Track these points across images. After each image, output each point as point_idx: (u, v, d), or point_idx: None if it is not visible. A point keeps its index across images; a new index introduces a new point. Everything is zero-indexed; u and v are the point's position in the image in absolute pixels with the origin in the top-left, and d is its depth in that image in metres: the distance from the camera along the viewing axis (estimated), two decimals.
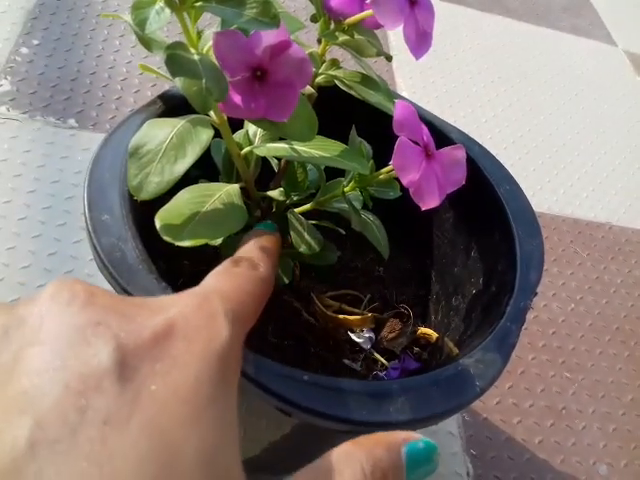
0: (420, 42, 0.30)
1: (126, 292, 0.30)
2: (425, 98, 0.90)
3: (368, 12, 0.32)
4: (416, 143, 0.33)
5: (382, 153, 0.38)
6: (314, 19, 0.37)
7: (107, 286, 0.32)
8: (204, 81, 0.27)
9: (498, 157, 0.89)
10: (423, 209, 0.33)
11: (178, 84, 0.26)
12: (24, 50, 0.73)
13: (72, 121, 0.67)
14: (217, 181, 0.39)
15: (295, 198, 0.40)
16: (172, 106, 0.38)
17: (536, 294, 0.37)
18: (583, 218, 0.83)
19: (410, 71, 0.93)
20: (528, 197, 0.86)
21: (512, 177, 0.44)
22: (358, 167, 0.33)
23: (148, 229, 0.33)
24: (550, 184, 0.86)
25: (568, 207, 0.84)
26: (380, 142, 0.40)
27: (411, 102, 0.47)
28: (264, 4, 0.27)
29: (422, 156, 0.33)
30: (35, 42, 0.75)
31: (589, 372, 0.66)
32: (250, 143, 0.37)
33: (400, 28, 0.30)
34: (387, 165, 0.37)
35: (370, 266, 0.50)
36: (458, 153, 0.35)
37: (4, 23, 0.76)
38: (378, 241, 0.37)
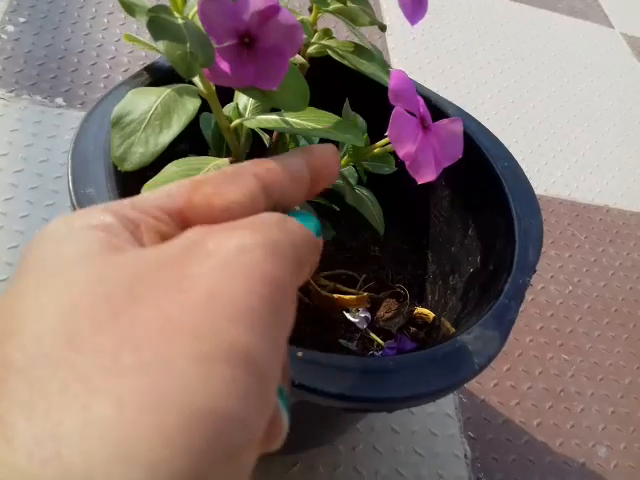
0: (415, 7, 0.29)
1: None
2: (421, 79, 0.89)
3: None
4: (412, 114, 0.32)
5: (377, 128, 0.37)
6: None
7: None
8: (188, 45, 0.25)
9: None
10: (419, 183, 0.32)
11: (161, 48, 0.25)
12: (10, 28, 0.71)
13: (60, 100, 0.65)
14: (205, 155, 0.38)
15: None
16: (159, 78, 0.37)
17: (535, 271, 0.36)
18: (581, 201, 0.82)
19: (405, 51, 0.92)
20: None
21: (510, 153, 0.43)
22: (352, 139, 0.32)
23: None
24: (547, 167, 0.85)
25: (565, 190, 0.83)
26: (375, 117, 0.39)
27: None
28: None
29: (418, 128, 0.32)
30: (21, 20, 0.73)
31: (587, 355, 0.66)
32: (240, 116, 0.36)
33: None
34: (382, 139, 0.36)
35: (366, 246, 0.49)
36: (455, 126, 0.34)
37: None
38: (373, 217, 0.36)
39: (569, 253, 0.75)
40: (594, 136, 0.93)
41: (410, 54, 0.92)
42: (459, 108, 0.45)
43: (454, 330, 0.39)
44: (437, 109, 0.44)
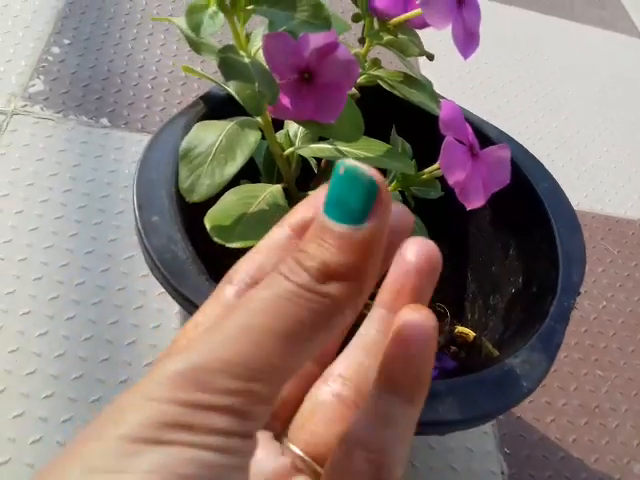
0: (468, 41, 0.30)
1: (177, 292, 0.31)
2: (450, 95, 0.90)
3: (414, 12, 0.32)
4: (461, 143, 0.33)
5: (422, 153, 0.38)
6: (356, 19, 0.37)
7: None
8: (257, 85, 0.27)
9: None
10: (468, 209, 0.33)
11: (231, 87, 0.26)
12: (55, 50, 0.74)
13: (105, 120, 0.68)
14: (257, 180, 0.40)
15: None
16: (214, 107, 0.39)
17: (579, 293, 0.37)
18: (613, 215, 0.82)
19: (435, 69, 0.93)
20: None
21: (550, 174, 0.44)
22: (403, 167, 0.33)
23: (193, 227, 0.33)
24: (579, 181, 0.85)
25: (598, 204, 0.83)
26: (420, 142, 0.40)
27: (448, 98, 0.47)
28: (315, 7, 0.27)
29: (468, 156, 0.33)
30: (66, 41, 0.75)
31: (622, 370, 0.66)
32: (291, 143, 0.37)
33: (447, 28, 0.30)
34: (427, 165, 0.37)
35: None
36: (502, 152, 0.35)
37: (36, 22, 0.76)
38: None
39: (602, 268, 0.75)
40: (626, 149, 0.93)
41: (441, 71, 0.93)
42: (501, 131, 0.46)
43: (496, 352, 0.40)
44: (480, 132, 0.45)
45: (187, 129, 0.37)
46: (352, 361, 0.19)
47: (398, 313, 0.17)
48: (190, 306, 0.30)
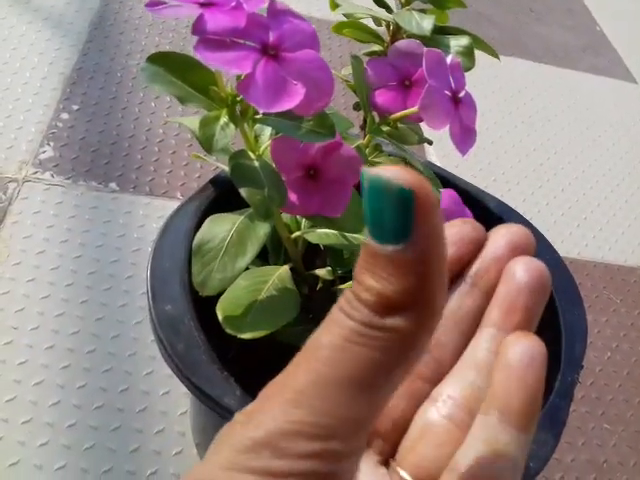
0: (465, 138, 0.32)
1: (190, 382, 0.32)
2: (446, 147, 0.92)
3: (412, 110, 0.33)
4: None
5: None
6: (356, 108, 0.39)
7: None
8: (266, 190, 0.28)
9: (526, 203, 0.90)
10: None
11: (243, 194, 0.28)
12: (65, 115, 0.76)
13: (113, 185, 0.70)
14: (265, 255, 0.41)
15: (340, 272, 0.42)
16: (224, 191, 0.40)
17: (582, 367, 0.38)
18: (614, 263, 0.83)
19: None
20: (558, 243, 0.86)
21: (552, 246, 0.45)
22: None
23: (205, 311, 0.34)
24: (579, 229, 0.87)
25: (599, 252, 0.84)
26: None
27: (446, 171, 0.49)
28: (320, 116, 0.29)
29: None
30: (75, 107, 0.78)
31: (629, 423, 0.66)
32: (298, 225, 0.39)
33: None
34: None
35: None
36: None
37: (44, 89, 0.79)
38: None
39: (605, 318, 0.76)
40: (624, 195, 0.95)
41: None
42: (501, 201, 0.47)
43: None
44: (479, 202, 0.47)
45: (198, 215, 0.38)
46: (462, 381, 0.18)
47: (507, 339, 0.17)
48: (202, 396, 0.31)
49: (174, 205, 0.69)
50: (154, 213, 0.68)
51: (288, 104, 0.26)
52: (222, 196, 0.40)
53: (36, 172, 0.69)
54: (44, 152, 0.71)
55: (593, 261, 0.83)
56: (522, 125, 1.01)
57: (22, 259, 0.60)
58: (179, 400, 0.54)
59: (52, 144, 0.72)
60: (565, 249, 0.82)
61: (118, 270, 0.62)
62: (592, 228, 0.87)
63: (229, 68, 0.25)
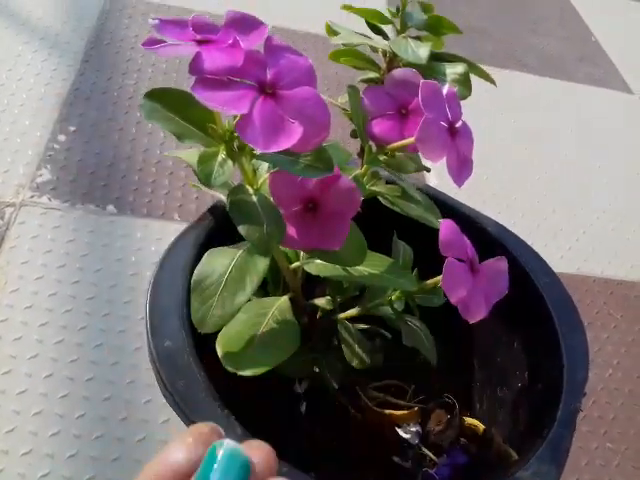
0: (461, 169, 0.32)
1: (190, 420, 0.31)
2: (445, 168, 0.92)
3: (408, 140, 0.33)
4: (461, 259, 0.34)
5: (422, 254, 0.39)
6: (354, 135, 0.38)
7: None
8: (265, 227, 0.28)
9: (524, 218, 0.90)
10: (471, 322, 0.34)
11: (242, 232, 0.28)
12: (62, 137, 0.76)
13: (111, 207, 0.69)
14: (263, 286, 0.40)
15: (339, 299, 0.42)
16: (221, 220, 0.40)
17: (585, 394, 0.38)
18: (614, 277, 0.83)
19: None
20: (557, 259, 0.86)
21: (550, 268, 0.45)
22: (407, 284, 0.34)
23: (204, 345, 0.34)
24: (579, 243, 0.86)
25: (598, 267, 0.84)
26: (418, 241, 0.41)
27: (444, 194, 0.49)
28: (318, 151, 0.28)
29: (468, 272, 0.34)
30: (72, 128, 0.78)
31: (632, 441, 0.66)
32: (297, 255, 0.38)
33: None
34: (429, 266, 0.38)
35: (412, 353, 0.51)
36: (501, 264, 0.36)
37: (41, 111, 0.79)
38: (427, 350, 0.38)
39: (606, 334, 0.76)
40: (623, 209, 0.95)
41: None
42: (498, 224, 0.47)
43: (507, 448, 0.40)
44: (477, 226, 0.47)
45: (196, 247, 0.38)
46: None
47: None
48: None
49: (171, 227, 0.70)
50: (151, 235, 0.68)
51: (286, 143, 0.26)
52: (220, 226, 0.39)
53: (33, 196, 0.68)
54: (41, 175, 0.71)
55: (593, 276, 0.82)
56: (519, 139, 1.01)
57: (20, 285, 0.60)
58: (179, 428, 0.53)
59: (49, 167, 0.72)
60: (564, 264, 0.82)
61: (116, 295, 0.62)
62: (591, 243, 0.87)
63: (227, 109, 0.25)
